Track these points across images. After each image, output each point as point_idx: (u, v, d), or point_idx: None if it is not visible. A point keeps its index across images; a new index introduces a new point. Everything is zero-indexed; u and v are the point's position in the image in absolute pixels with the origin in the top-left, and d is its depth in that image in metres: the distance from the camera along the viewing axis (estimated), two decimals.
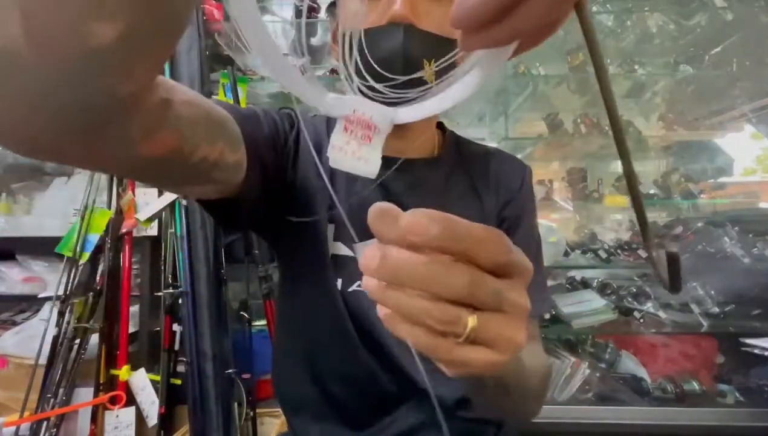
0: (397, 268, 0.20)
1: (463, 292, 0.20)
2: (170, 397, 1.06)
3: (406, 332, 0.21)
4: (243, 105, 1.21)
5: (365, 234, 0.59)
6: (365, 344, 0.53)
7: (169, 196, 1.08)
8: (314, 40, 1.40)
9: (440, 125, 0.64)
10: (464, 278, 0.20)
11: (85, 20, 0.18)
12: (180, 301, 1.06)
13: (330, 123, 0.60)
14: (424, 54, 0.43)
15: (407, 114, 0.26)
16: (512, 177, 0.59)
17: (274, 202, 0.50)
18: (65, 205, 1.19)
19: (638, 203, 0.22)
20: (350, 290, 0.52)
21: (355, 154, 0.24)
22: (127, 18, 0.19)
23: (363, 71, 0.45)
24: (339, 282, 0.52)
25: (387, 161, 0.55)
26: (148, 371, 1.08)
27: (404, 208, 0.20)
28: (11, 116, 0.22)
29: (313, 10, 1.33)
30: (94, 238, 1.08)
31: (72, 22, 0.18)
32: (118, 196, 1.11)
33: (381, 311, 0.21)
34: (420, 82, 0.43)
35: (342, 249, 0.53)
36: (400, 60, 0.43)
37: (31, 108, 0.21)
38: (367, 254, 0.21)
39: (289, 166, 0.52)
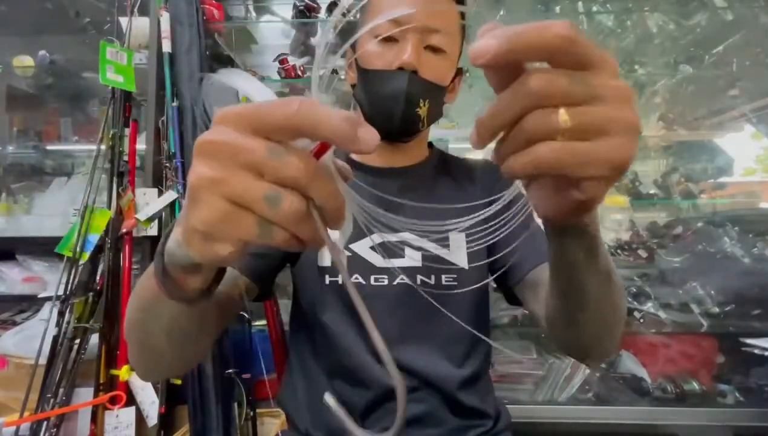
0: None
1: (535, 94, 0.19)
2: (170, 397, 1.05)
3: (522, 161, 0.21)
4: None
5: (361, 234, 0.64)
6: (361, 335, 0.58)
7: (169, 196, 1.08)
8: (314, 40, 1.40)
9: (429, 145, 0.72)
10: (535, 82, 0.19)
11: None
12: None
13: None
14: (421, 96, 0.56)
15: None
16: (493, 171, 0.66)
17: None
18: (65, 205, 1.19)
19: None
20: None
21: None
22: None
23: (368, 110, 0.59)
24: (339, 278, 0.58)
25: (380, 171, 0.65)
26: None
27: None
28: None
29: (312, 10, 1.32)
30: (94, 238, 1.07)
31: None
32: (118, 196, 1.10)
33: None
34: (415, 120, 0.57)
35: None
36: (402, 98, 0.55)
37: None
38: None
39: None
